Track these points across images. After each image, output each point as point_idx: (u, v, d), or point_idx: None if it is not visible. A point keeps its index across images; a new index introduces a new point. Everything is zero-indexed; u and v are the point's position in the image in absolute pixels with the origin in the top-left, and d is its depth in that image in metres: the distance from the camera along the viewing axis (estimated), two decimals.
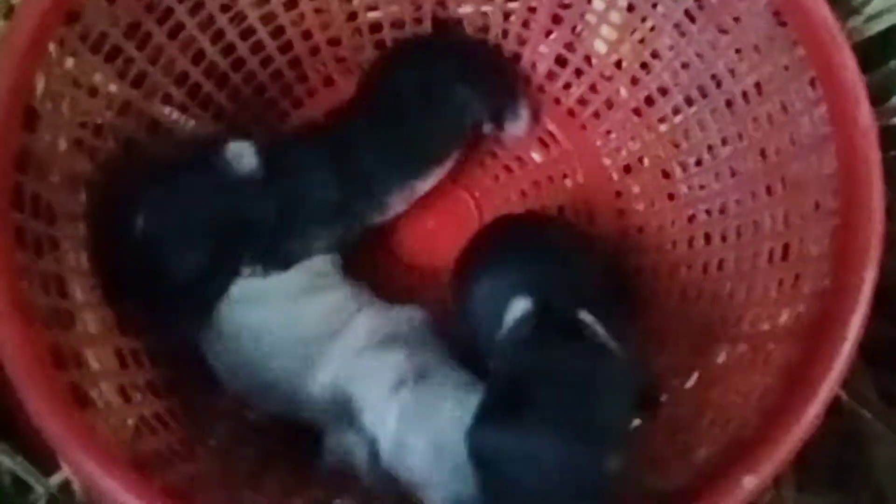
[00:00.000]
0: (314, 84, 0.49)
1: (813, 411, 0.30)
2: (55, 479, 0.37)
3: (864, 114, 0.34)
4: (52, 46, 0.35)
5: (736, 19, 0.40)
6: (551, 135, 0.49)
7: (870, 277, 0.31)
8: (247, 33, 0.45)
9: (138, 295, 0.37)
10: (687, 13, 0.42)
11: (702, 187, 0.44)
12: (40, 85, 0.35)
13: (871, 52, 0.45)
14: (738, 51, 0.41)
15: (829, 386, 0.30)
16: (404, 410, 0.34)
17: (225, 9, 0.44)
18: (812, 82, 0.36)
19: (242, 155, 0.39)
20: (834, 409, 0.32)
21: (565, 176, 0.49)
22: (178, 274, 0.37)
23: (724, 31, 0.41)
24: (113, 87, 0.40)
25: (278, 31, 0.46)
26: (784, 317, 0.35)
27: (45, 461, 0.37)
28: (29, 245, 0.33)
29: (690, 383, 0.38)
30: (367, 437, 0.35)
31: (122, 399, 0.34)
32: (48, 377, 0.30)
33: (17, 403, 0.31)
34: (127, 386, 0.35)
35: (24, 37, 0.34)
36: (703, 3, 0.41)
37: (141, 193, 0.37)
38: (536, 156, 0.49)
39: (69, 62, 0.37)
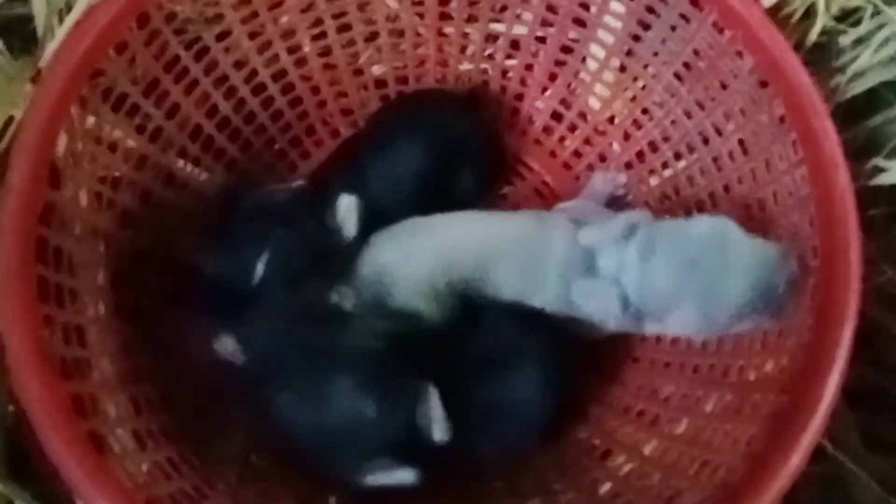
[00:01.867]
0: (321, 136, 0.51)
1: (796, 460, 0.31)
2: None
3: (843, 178, 0.36)
4: (74, 106, 0.37)
5: (722, 83, 0.42)
6: (547, 185, 0.51)
7: (847, 334, 0.33)
8: (258, 89, 0.47)
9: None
10: (676, 75, 0.45)
11: None
12: (62, 142, 0.37)
13: (856, 110, 0.47)
14: (724, 111, 0.43)
15: (811, 436, 0.32)
16: (642, 245, 0.37)
17: (238, 66, 0.46)
18: (794, 145, 0.38)
19: (352, 209, 0.43)
20: (817, 454, 0.33)
21: None
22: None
23: (711, 93, 0.43)
24: (131, 143, 0.42)
25: (288, 87, 0.49)
26: (769, 368, 0.37)
27: None
28: (51, 297, 0.35)
29: (681, 429, 0.39)
30: (612, 281, 0.38)
31: (137, 445, 0.35)
32: (69, 426, 0.31)
33: (35, 450, 0.32)
34: (142, 432, 0.36)
35: (49, 99, 0.36)
36: (692, 66, 0.44)
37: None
38: (533, 206, 0.51)
39: (90, 120, 0.39)
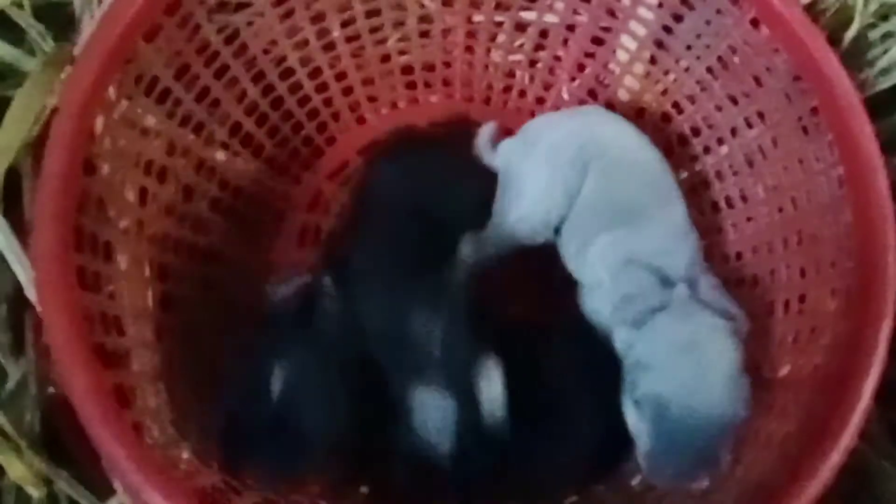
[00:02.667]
0: (347, 122, 0.51)
1: (833, 461, 0.32)
2: None
3: (881, 180, 0.36)
4: (109, 90, 0.37)
5: (756, 79, 0.42)
6: None
7: (885, 334, 0.34)
8: (286, 74, 0.47)
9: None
10: (709, 70, 0.44)
11: (719, 231, 0.46)
12: (98, 127, 0.37)
13: (884, 104, 0.47)
14: (757, 107, 0.43)
15: (847, 438, 0.32)
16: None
17: (267, 50, 0.45)
18: (830, 145, 0.39)
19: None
20: None
21: None
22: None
23: (744, 89, 0.43)
24: (161, 127, 0.41)
25: (315, 73, 0.48)
26: (802, 367, 0.37)
27: (101, 488, 0.38)
28: (90, 284, 0.35)
29: None
30: None
31: (178, 434, 0.36)
32: (115, 415, 0.31)
33: (75, 432, 0.32)
34: (179, 422, 0.36)
35: (86, 83, 0.35)
36: (726, 61, 0.44)
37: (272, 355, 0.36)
38: None
39: (124, 104, 0.39)
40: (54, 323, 0.32)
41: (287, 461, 0.35)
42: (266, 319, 0.39)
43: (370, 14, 0.47)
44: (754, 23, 0.41)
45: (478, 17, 0.49)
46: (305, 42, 0.47)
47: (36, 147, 0.40)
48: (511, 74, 0.51)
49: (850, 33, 0.44)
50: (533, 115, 0.52)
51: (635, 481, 0.40)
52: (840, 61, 0.38)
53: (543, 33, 0.49)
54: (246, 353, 0.37)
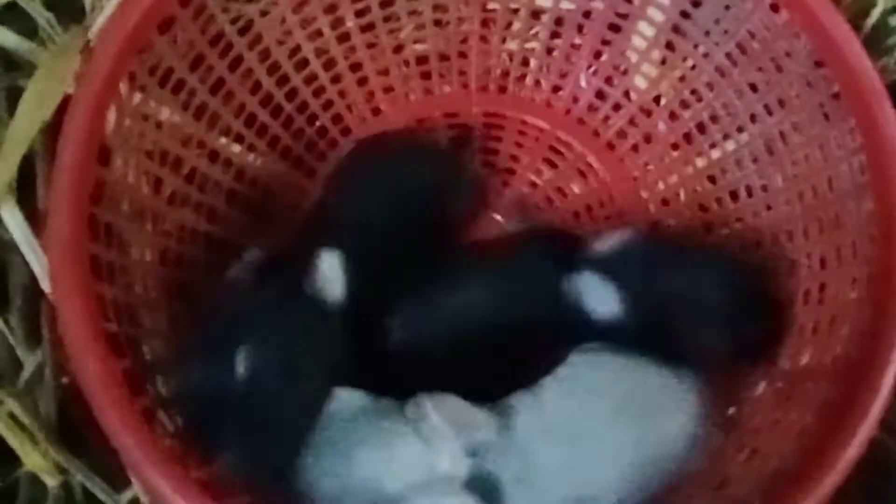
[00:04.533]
0: (362, 113, 0.51)
1: (851, 453, 0.31)
2: (126, 496, 0.39)
3: None
4: (123, 82, 0.37)
5: (777, 65, 0.41)
6: (590, 166, 0.50)
7: None
8: (300, 65, 0.47)
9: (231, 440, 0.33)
10: (728, 56, 0.44)
11: (738, 220, 0.46)
12: (111, 118, 0.37)
13: None
14: (777, 93, 0.42)
15: (867, 430, 0.31)
16: None
17: (281, 42, 0.45)
18: (852, 131, 0.38)
19: (336, 266, 0.36)
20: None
21: (602, 206, 0.50)
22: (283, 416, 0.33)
23: (764, 75, 0.42)
24: (176, 119, 0.42)
25: (330, 63, 0.48)
26: (821, 357, 0.37)
27: (117, 478, 0.39)
28: (104, 274, 0.35)
29: (728, 414, 0.39)
30: None
31: None
32: (125, 402, 0.32)
33: (91, 423, 0.33)
34: None
35: (100, 75, 0.36)
36: (745, 46, 0.43)
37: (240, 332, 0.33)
38: (576, 187, 0.50)
39: (138, 96, 0.39)
40: (67, 310, 0.32)
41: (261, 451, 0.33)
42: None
43: (384, 4, 0.47)
44: (774, 7, 0.40)
45: (493, 5, 0.48)
46: (320, 32, 0.46)
47: (49, 137, 0.40)
48: (526, 63, 0.50)
49: (872, 19, 0.43)
50: (549, 104, 0.51)
51: None
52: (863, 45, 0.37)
53: (559, 21, 0.48)
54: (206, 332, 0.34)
